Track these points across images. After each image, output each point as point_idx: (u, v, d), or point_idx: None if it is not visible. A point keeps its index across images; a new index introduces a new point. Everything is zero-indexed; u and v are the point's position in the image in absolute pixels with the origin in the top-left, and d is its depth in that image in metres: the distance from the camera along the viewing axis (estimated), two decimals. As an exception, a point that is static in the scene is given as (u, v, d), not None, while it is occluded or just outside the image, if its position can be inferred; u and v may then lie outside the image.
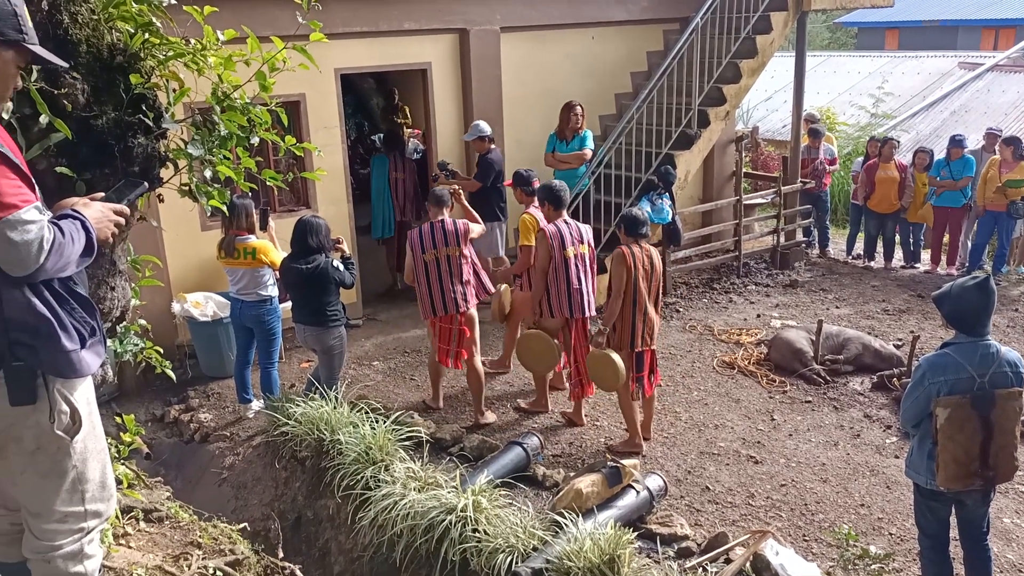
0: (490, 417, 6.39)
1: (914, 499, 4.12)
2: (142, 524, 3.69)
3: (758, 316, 8.55)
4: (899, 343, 7.54)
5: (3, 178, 2.06)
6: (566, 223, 6.09)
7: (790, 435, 6.11)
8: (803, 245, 10.56)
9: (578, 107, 8.42)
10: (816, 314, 8.35)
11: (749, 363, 7.32)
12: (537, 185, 6.62)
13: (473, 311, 6.29)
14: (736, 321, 8.42)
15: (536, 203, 6.42)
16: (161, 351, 3.44)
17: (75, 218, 2.24)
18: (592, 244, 6.22)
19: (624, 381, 5.67)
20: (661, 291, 5.94)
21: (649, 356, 5.83)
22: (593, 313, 6.18)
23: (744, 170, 10.38)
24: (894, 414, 6.36)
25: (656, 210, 8.61)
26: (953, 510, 3.99)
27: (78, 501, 2.42)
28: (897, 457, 5.72)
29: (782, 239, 10.13)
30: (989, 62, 17.75)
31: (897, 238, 10.40)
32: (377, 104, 12.50)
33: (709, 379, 7.06)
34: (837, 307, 8.82)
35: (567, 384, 6.54)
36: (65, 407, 2.30)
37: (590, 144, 8.50)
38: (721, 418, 6.37)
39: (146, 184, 2.60)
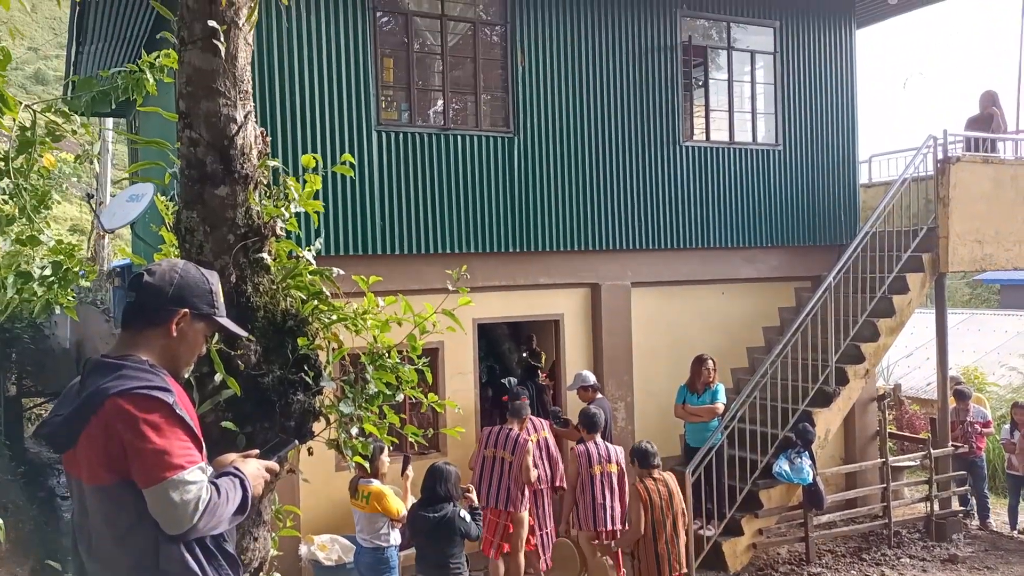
0: None
1: None
2: None
3: (915, 594, 7.73)
4: (1089, 639, 6.57)
5: (176, 439, 2.22)
6: (595, 444, 6.97)
7: None
8: (960, 515, 9.69)
9: (710, 361, 8.44)
10: (983, 597, 7.48)
11: (908, 651, 6.52)
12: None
13: (522, 515, 7.13)
14: (890, 599, 7.63)
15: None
16: (290, 606, 3.44)
17: (235, 475, 2.37)
18: (622, 464, 6.93)
19: None
20: (685, 514, 6.36)
21: None
22: (620, 527, 6.79)
23: (888, 430, 9.88)
24: None
25: (795, 469, 8.23)
26: None
27: None
28: None
29: (936, 507, 9.35)
30: None
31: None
32: (509, 348, 12.94)
33: (863, 667, 6.30)
34: (1007, 590, 7.88)
35: None
36: None
37: (722, 398, 8.39)
38: None
39: (296, 441, 2.74)
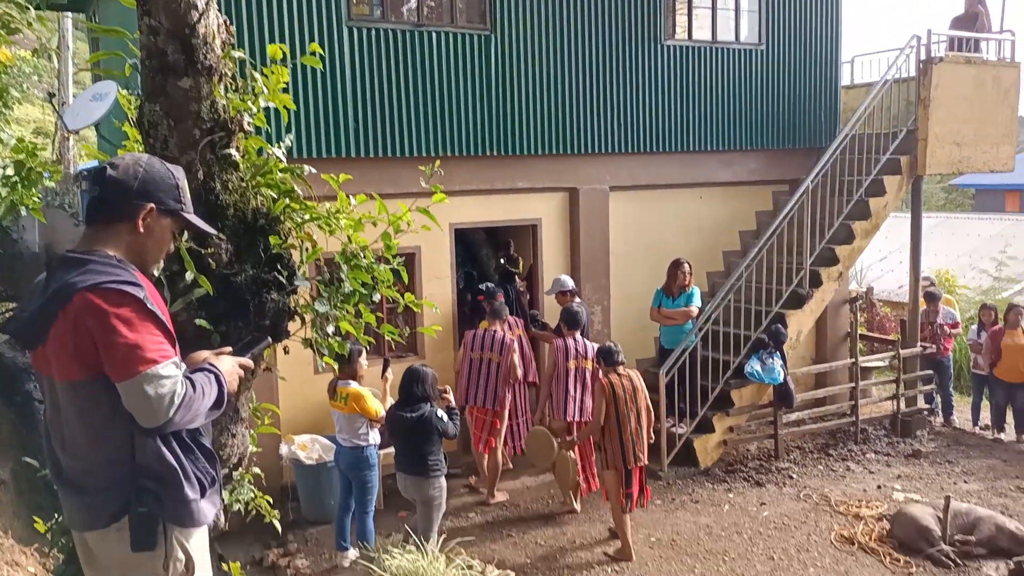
0: (500, 497, 7.65)
1: None
2: (235, 676, 3.62)
3: (879, 487, 8.03)
4: (1039, 526, 6.89)
5: (148, 333, 2.20)
6: (574, 340, 7.28)
7: (919, 625, 5.57)
8: (926, 412, 10.00)
9: (686, 264, 8.48)
10: (942, 488, 7.78)
11: (870, 539, 6.81)
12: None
13: (506, 412, 7.60)
14: (855, 491, 7.92)
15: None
16: (271, 500, 3.49)
17: (210, 371, 2.36)
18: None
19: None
20: (650, 411, 6.60)
21: (638, 473, 6.50)
22: (588, 419, 7.05)
23: (859, 331, 10.07)
24: (1039, 609, 5.74)
25: (767, 369, 8.40)
26: None
27: None
28: (1046, 660, 5.11)
29: (903, 405, 9.63)
30: (1121, 225, 16.99)
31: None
32: (486, 254, 12.92)
33: (827, 555, 6.59)
34: (965, 482, 8.20)
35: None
36: (181, 555, 2.34)
37: (697, 301, 8.47)
38: (840, 600, 5.89)
39: (270, 339, 2.73)
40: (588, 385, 7.23)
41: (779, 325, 8.63)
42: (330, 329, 3.02)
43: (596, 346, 7.27)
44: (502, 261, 12.12)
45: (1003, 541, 6.54)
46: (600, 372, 6.62)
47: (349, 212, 3.11)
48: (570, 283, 8.29)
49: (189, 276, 2.62)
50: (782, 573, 6.29)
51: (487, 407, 7.49)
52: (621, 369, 6.51)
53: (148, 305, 2.23)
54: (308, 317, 3.03)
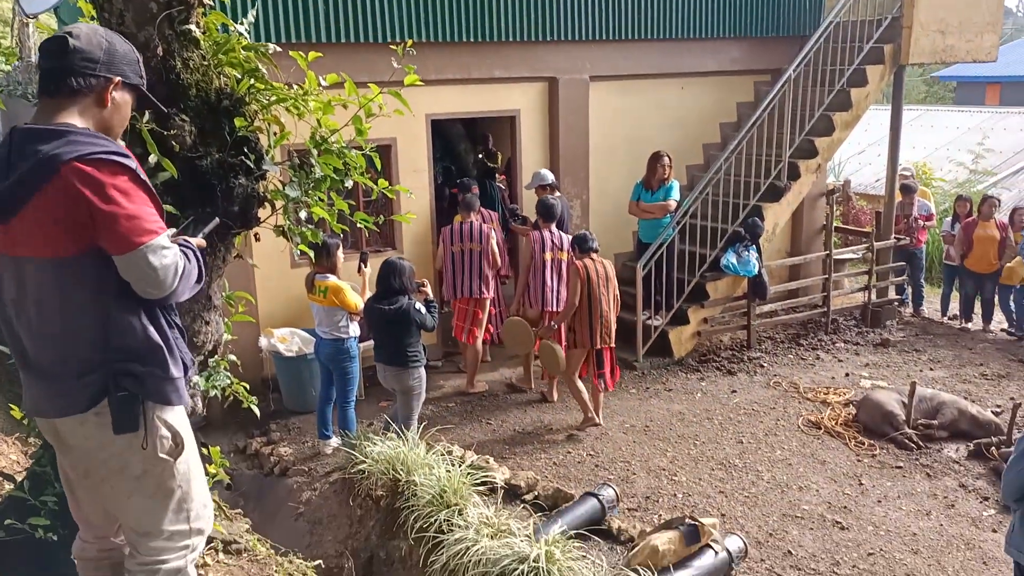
0: (480, 387, 7.84)
1: (1016, 580, 3.85)
2: (221, 556, 3.75)
3: (847, 375, 8.25)
4: (998, 410, 7.14)
5: (144, 205, 2.17)
6: (550, 232, 7.47)
7: (879, 501, 5.83)
8: (896, 303, 10.18)
9: (665, 157, 8.40)
10: (908, 376, 8.01)
11: (836, 423, 7.05)
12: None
13: (487, 299, 7.72)
14: (823, 379, 8.14)
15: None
16: (248, 387, 3.52)
17: (186, 246, 2.34)
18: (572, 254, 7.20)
19: (563, 369, 6.91)
20: (618, 299, 6.95)
21: (608, 354, 6.88)
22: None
23: (835, 224, 10.13)
24: (992, 485, 6.01)
25: (742, 262, 8.47)
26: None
27: (184, 520, 2.47)
28: (995, 531, 5.38)
29: (873, 296, 9.80)
30: (1098, 118, 16.98)
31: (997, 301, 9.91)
32: (465, 149, 12.72)
33: (794, 438, 6.82)
34: (931, 369, 8.44)
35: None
36: (166, 432, 2.36)
37: (675, 195, 8.44)
38: (805, 480, 6.13)
39: (218, 219, 2.66)
40: (564, 276, 7.40)
41: (756, 218, 8.65)
42: (302, 215, 2.97)
43: (569, 238, 7.35)
44: (480, 156, 11.97)
45: (964, 425, 6.79)
46: (574, 258, 6.87)
47: (318, 94, 3.02)
48: (550, 177, 8.22)
49: (152, 159, 2.55)
50: (750, 455, 6.51)
51: (471, 296, 7.65)
52: (595, 256, 6.78)
53: (141, 176, 2.20)
54: (279, 204, 2.98)
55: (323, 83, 3.03)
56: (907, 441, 6.64)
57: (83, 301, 2.21)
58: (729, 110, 9.99)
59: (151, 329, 2.28)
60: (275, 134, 3.01)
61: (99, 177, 2.10)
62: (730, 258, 8.50)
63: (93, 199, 2.09)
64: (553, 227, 7.52)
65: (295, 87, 3.09)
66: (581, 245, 6.80)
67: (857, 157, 17.57)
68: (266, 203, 2.95)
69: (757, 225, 8.55)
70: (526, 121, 8.83)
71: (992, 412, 7.03)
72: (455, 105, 8.39)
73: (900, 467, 6.34)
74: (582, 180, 9.11)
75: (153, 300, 2.24)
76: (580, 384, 6.92)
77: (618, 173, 9.15)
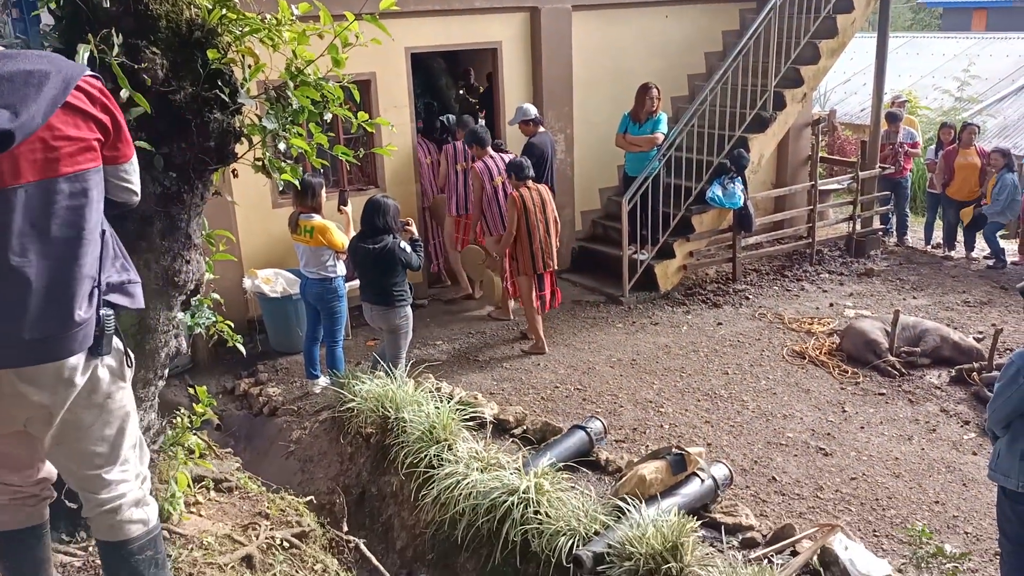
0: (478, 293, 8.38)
1: (998, 503, 3.92)
2: (212, 493, 3.78)
3: (831, 305, 8.31)
4: (980, 336, 7.24)
5: (124, 129, 2.25)
6: (491, 158, 7.58)
7: (862, 428, 5.93)
8: (880, 233, 10.21)
9: (654, 89, 8.28)
10: (892, 304, 8.08)
11: (820, 353, 7.13)
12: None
13: (478, 212, 7.87)
14: (808, 310, 8.20)
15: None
16: (232, 325, 3.49)
17: None
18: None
19: (500, 291, 7.57)
20: (557, 222, 7.21)
21: (549, 277, 7.23)
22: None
23: (820, 155, 10.07)
24: (973, 409, 6.12)
25: (728, 194, 8.45)
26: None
27: (138, 443, 2.51)
28: (975, 454, 5.50)
29: (858, 226, 9.81)
30: (1084, 43, 16.85)
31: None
32: (446, 84, 12.50)
33: (778, 368, 6.90)
34: (914, 297, 8.51)
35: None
36: (122, 348, 2.38)
37: (663, 128, 8.34)
38: (790, 408, 6.22)
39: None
40: None
41: (741, 150, 8.59)
42: (281, 147, 2.90)
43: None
44: (462, 92, 11.77)
45: (946, 351, 6.88)
46: (511, 186, 7.08)
47: (292, 24, 2.92)
48: (533, 111, 8.09)
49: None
50: (735, 386, 6.59)
51: (463, 214, 8.10)
52: (531, 183, 6.95)
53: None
54: (256, 138, 2.91)
55: (296, 12, 2.93)
56: (890, 368, 6.73)
57: (95, 219, 2.20)
58: (714, 39, 9.82)
59: (117, 238, 2.37)
60: (249, 67, 2.92)
61: (105, 90, 2.20)
62: (716, 191, 8.47)
63: (112, 109, 2.19)
64: (491, 151, 7.66)
65: (268, 17, 2.99)
66: (517, 173, 6.92)
67: (843, 86, 17.43)
68: (243, 138, 2.88)
69: (743, 157, 8.50)
70: (508, 53, 8.65)
71: (974, 338, 7.12)
72: (435, 38, 8.20)
73: (883, 394, 6.44)
74: (566, 114, 8.99)
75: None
76: (538, 317, 7.21)
77: (603, 106, 9.03)
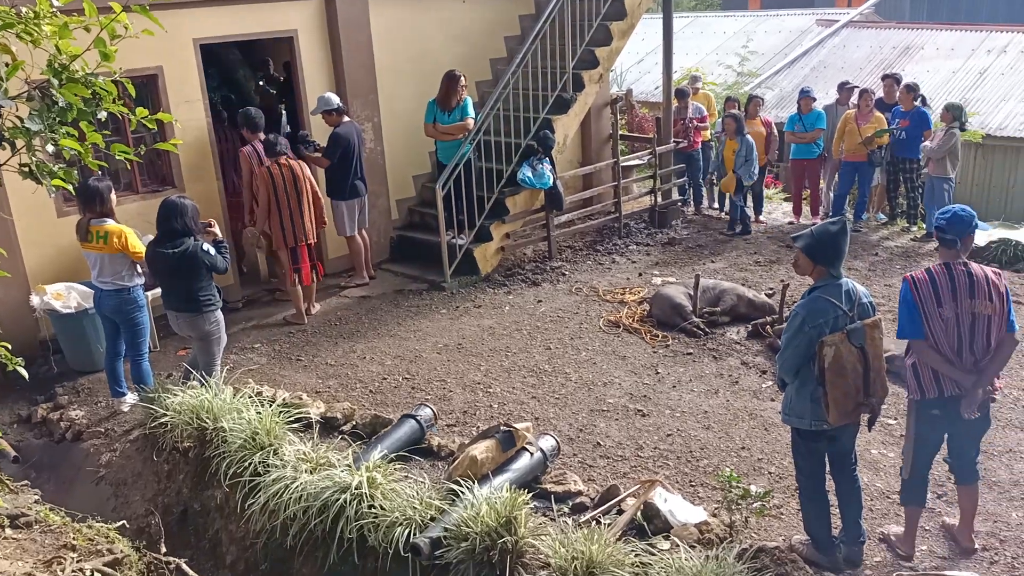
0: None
1: (793, 442, 4.31)
2: (8, 531, 3.45)
3: (640, 275, 8.76)
4: (770, 292, 7.87)
5: None
6: (260, 143, 7.62)
7: (674, 387, 6.31)
8: (679, 204, 10.85)
9: (461, 77, 8.34)
10: (694, 269, 8.61)
11: (633, 321, 7.50)
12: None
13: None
14: (620, 281, 8.59)
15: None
16: (9, 347, 3.18)
17: None
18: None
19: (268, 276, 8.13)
20: (318, 195, 7.54)
21: (304, 250, 7.45)
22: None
23: (620, 132, 10.54)
24: (768, 360, 6.65)
25: (537, 175, 8.67)
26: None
27: None
28: (773, 400, 5.99)
29: (659, 199, 10.38)
30: (844, 19, 18.65)
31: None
32: (244, 76, 11.98)
33: (596, 339, 7.19)
34: (713, 261, 9.13)
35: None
36: None
37: (471, 113, 8.44)
38: (609, 375, 6.51)
39: None
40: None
41: (547, 131, 8.84)
42: (50, 149, 2.66)
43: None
44: (261, 83, 11.32)
45: (743, 308, 7.44)
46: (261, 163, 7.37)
47: (53, 17, 2.69)
48: (335, 100, 7.93)
49: None
50: (558, 359, 6.81)
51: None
52: (283, 160, 7.26)
53: None
54: (20, 142, 2.65)
55: (56, 4, 2.69)
56: (695, 329, 7.19)
57: None
58: (512, 23, 10.01)
59: None
60: (7, 65, 2.66)
61: None
62: (525, 172, 8.67)
63: None
64: (261, 135, 7.74)
65: (24, 10, 2.73)
66: (269, 150, 7.27)
67: (637, 66, 18.32)
68: (4, 143, 2.62)
69: (548, 138, 8.75)
70: (305, 42, 8.39)
71: (765, 295, 7.74)
72: (227, 28, 7.81)
73: (690, 353, 6.87)
74: (372, 102, 8.87)
75: None
76: (297, 289, 7.54)
77: (408, 93, 8.99)
